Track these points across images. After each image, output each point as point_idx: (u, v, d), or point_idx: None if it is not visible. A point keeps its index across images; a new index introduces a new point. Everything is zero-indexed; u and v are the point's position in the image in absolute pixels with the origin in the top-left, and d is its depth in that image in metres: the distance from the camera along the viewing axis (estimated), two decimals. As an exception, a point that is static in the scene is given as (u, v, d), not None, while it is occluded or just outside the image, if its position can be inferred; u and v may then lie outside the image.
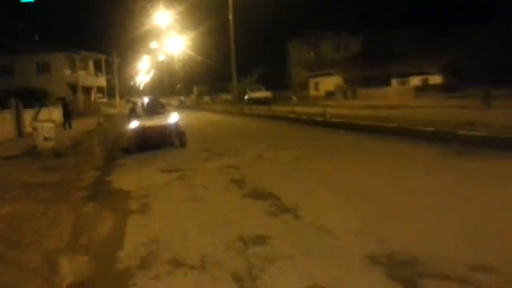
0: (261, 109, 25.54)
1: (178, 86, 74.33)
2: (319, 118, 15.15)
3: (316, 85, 47.08)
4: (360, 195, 5.63)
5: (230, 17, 29.08)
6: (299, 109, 21.57)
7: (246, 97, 42.83)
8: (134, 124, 12.02)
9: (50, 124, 13.09)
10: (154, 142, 12.09)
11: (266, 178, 7.19)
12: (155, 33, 60.87)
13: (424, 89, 29.43)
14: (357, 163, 8.01)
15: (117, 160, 10.79)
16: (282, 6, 53.82)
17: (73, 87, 43.62)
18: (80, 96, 43.99)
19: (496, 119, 11.10)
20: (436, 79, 31.85)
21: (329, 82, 43.02)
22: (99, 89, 54.07)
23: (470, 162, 7.22)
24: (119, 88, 63.83)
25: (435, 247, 3.70)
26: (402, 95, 30.27)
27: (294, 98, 39.36)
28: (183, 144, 12.15)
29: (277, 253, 3.88)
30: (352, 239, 4.06)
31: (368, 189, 5.92)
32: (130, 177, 8.23)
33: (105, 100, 54.25)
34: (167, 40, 57.89)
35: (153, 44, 70.11)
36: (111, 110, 45.75)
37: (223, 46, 47.32)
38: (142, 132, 11.83)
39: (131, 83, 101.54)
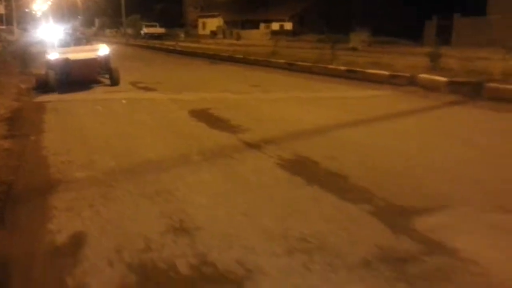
0: (142, 42, 32.23)
1: (79, 17, 75.44)
2: (172, 48, 22.61)
3: (204, 25, 53.69)
4: (149, 72, 13.12)
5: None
6: (184, 44, 28.60)
7: (142, 32, 48.58)
8: (53, 55, 10.04)
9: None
10: (79, 78, 10.15)
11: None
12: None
13: (278, 33, 37.67)
14: (168, 65, 15.58)
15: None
16: None
17: (-29, 13, 45.75)
18: (-22, 22, 46.26)
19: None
20: (289, 25, 40.33)
21: (214, 23, 49.96)
22: (-4, 16, 55.62)
23: (215, 66, 15.13)
24: (16, 16, 64.78)
25: (163, 83, 11.25)
26: (262, 37, 38.30)
27: (182, 35, 45.69)
28: (115, 82, 10.41)
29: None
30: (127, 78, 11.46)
31: (158, 71, 13.42)
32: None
33: (3, 27, 55.95)
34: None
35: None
36: (10, 37, 48.52)
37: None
38: (65, 66, 9.82)
39: (28, 10, 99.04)
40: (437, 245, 2.59)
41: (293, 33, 36.88)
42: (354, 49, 21.95)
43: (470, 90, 7.29)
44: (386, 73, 9.16)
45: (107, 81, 10.56)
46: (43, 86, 9.79)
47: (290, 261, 2.43)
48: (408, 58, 12.66)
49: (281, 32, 37.87)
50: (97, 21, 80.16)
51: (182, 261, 2.46)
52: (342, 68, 10.41)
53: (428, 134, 5.44)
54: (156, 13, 69.24)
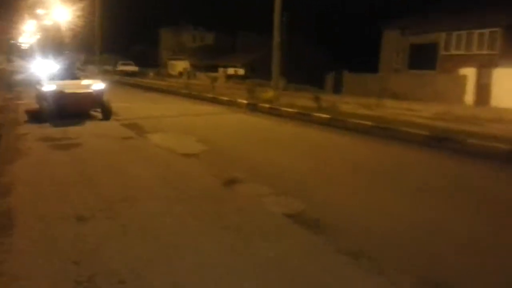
0: (111, 77, 38.04)
1: (67, 52, 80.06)
2: (138, 83, 28.38)
3: (172, 66, 60.14)
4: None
5: None
6: (146, 80, 34.29)
7: (117, 68, 54.79)
8: (48, 87, 10.12)
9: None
10: (73, 111, 10.17)
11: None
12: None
13: (231, 76, 44.15)
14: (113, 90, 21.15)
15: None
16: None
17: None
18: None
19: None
20: (241, 71, 47.10)
21: (181, 65, 56.37)
22: (-15, 47, 61.00)
23: (145, 93, 20.63)
24: (4, 47, 70.47)
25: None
26: (218, 79, 44.53)
27: (151, 74, 51.91)
28: (107, 116, 10.43)
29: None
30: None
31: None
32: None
33: (-11, 57, 61.28)
34: (55, 8, 65.62)
35: (40, 11, 76.70)
36: (-4, 66, 53.74)
37: (114, 19, 56.54)
38: (60, 99, 9.86)
39: (14, 42, 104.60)
40: (143, 135, 8.15)
41: (243, 77, 43.21)
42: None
43: (253, 107, 13.08)
44: (226, 99, 14.92)
45: (99, 115, 10.64)
46: (36, 117, 9.98)
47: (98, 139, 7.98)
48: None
49: (234, 76, 44.27)
50: (83, 57, 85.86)
51: (59, 138, 7.98)
52: (210, 95, 16.22)
53: (212, 119, 11.39)
54: (135, 54, 75.88)
